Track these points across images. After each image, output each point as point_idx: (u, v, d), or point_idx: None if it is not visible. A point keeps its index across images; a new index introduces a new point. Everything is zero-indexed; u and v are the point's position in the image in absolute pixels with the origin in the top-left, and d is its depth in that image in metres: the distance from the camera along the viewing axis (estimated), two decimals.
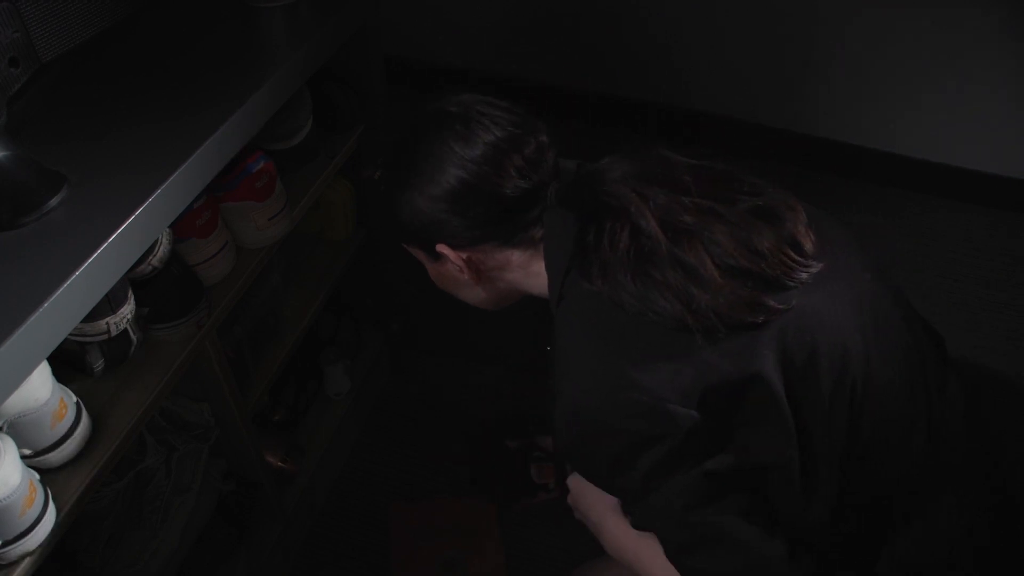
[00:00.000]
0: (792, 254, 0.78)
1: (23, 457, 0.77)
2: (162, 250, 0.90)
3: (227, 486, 1.23)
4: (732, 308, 0.75)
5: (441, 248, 0.88)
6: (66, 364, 0.89)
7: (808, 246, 0.79)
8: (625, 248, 0.78)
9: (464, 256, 0.88)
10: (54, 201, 0.75)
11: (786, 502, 0.80)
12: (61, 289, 0.68)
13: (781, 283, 0.77)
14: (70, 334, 0.72)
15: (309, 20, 1.07)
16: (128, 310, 0.89)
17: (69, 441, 0.83)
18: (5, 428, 0.78)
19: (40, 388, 0.78)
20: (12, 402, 0.76)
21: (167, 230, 0.90)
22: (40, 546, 0.78)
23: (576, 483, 1.03)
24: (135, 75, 0.95)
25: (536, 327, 1.16)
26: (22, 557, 0.77)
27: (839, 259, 0.83)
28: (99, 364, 0.91)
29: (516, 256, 0.89)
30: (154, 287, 0.92)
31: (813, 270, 0.79)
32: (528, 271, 0.90)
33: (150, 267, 0.89)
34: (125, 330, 0.90)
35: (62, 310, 0.69)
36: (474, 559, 1.46)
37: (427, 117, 0.87)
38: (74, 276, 0.69)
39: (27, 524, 0.76)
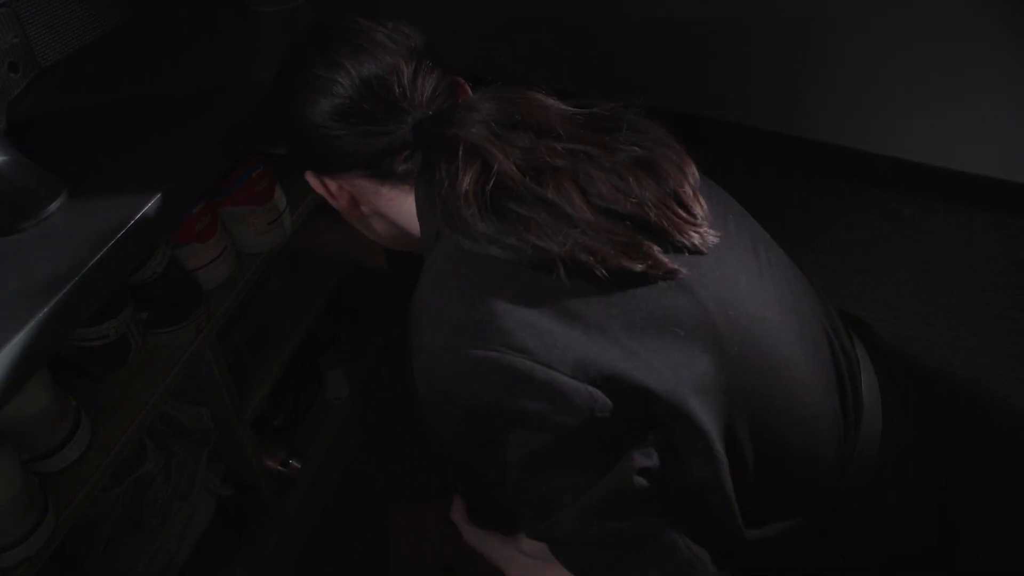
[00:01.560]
0: (679, 210, 0.70)
1: (23, 461, 0.77)
2: (161, 255, 0.90)
3: (226, 491, 1.23)
4: (612, 246, 0.66)
5: (308, 175, 0.83)
6: (66, 369, 0.89)
7: (697, 211, 0.71)
8: (471, 185, 0.69)
9: (334, 185, 0.81)
10: (53, 206, 0.75)
11: (706, 519, 0.73)
12: (61, 294, 0.68)
13: (668, 236, 0.69)
14: (70, 339, 0.72)
15: (309, 24, 1.07)
16: (127, 315, 0.89)
17: (69, 446, 0.83)
18: (5, 432, 0.78)
19: (40, 393, 0.79)
20: (12, 407, 0.76)
21: (166, 235, 0.90)
22: (39, 551, 0.78)
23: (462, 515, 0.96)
24: (135, 80, 0.96)
25: None
26: (21, 562, 0.77)
27: (739, 234, 0.77)
28: (98, 369, 0.91)
29: (386, 191, 0.80)
30: (153, 292, 0.92)
31: (708, 237, 0.70)
32: (402, 211, 0.81)
33: (149, 272, 0.90)
34: (124, 335, 0.90)
35: (62, 315, 0.69)
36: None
37: (297, 42, 0.82)
38: (73, 281, 0.69)
39: (26, 529, 0.76)
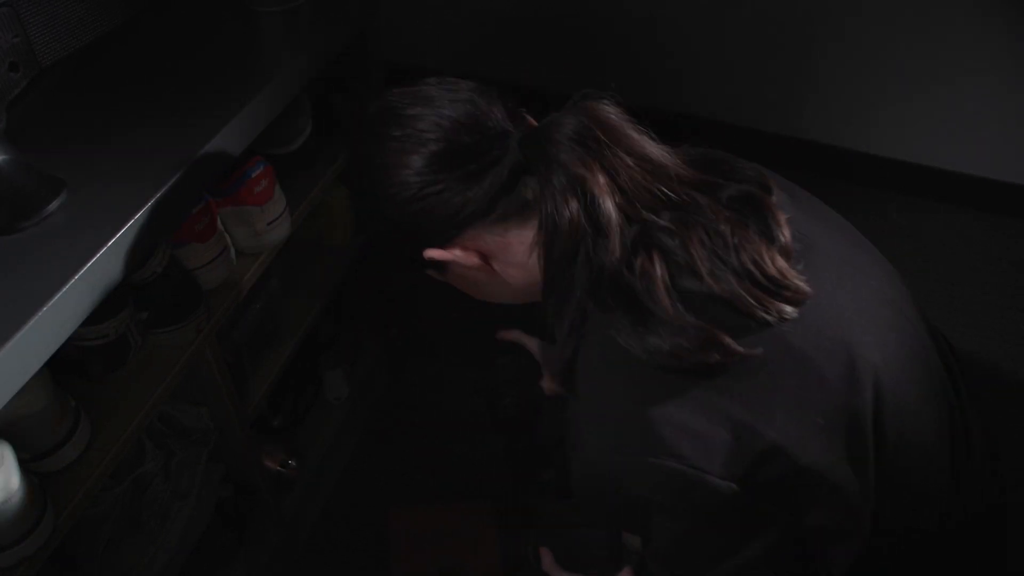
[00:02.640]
0: (767, 283, 0.68)
1: (22, 461, 0.77)
2: (161, 255, 0.90)
3: (225, 491, 1.23)
4: (687, 342, 0.66)
5: (429, 254, 0.78)
6: (65, 368, 0.89)
7: (789, 279, 0.68)
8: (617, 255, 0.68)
9: (459, 251, 0.78)
10: (53, 206, 0.75)
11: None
12: (60, 293, 0.68)
13: (755, 314, 0.68)
14: (69, 338, 0.72)
15: (309, 26, 1.07)
16: (127, 314, 0.89)
17: (68, 445, 0.83)
18: (4, 432, 0.78)
19: (39, 392, 0.79)
20: (11, 406, 0.76)
21: (166, 235, 0.90)
22: (38, 551, 0.78)
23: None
24: (135, 80, 0.96)
25: (534, 333, 1.16)
26: (21, 561, 0.77)
27: (841, 265, 0.74)
28: (98, 368, 0.91)
29: (512, 233, 0.77)
30: (153, 292, 0.92)
31: (800, 296, 0.68)
32: (532, 252, 0.77)
33: (149, 271, 0.90)
34: (124, 334, 0.90)
35: (61, 314, 0.69)
36: (472, 565, 1.46)
37: (356, 134, 0.80)
38: (73, 280, 0.69)
39: (25, 528, 0.76)
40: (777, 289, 0.68)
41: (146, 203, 0.77)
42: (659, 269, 0.68)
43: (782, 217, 0.70)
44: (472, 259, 0.78)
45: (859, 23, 1.96)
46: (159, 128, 0.87)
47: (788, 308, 0.68)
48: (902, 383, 0.72)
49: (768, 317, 0.67)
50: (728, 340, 0.66)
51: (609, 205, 0.69)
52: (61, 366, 0.88)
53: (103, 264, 0.73)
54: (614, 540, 1.02)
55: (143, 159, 0.83)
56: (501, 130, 0.75)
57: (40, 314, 0.66)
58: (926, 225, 2.10)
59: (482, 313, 1.00)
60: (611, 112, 0.73)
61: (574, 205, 0.69)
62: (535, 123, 0.78)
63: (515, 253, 0.78)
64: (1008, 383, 1.69)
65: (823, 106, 2.14)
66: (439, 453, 1.61)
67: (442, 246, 0.78)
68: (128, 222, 0.75)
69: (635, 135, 0.73)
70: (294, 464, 1.39)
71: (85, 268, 0.70)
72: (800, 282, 0.68)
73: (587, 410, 0.74)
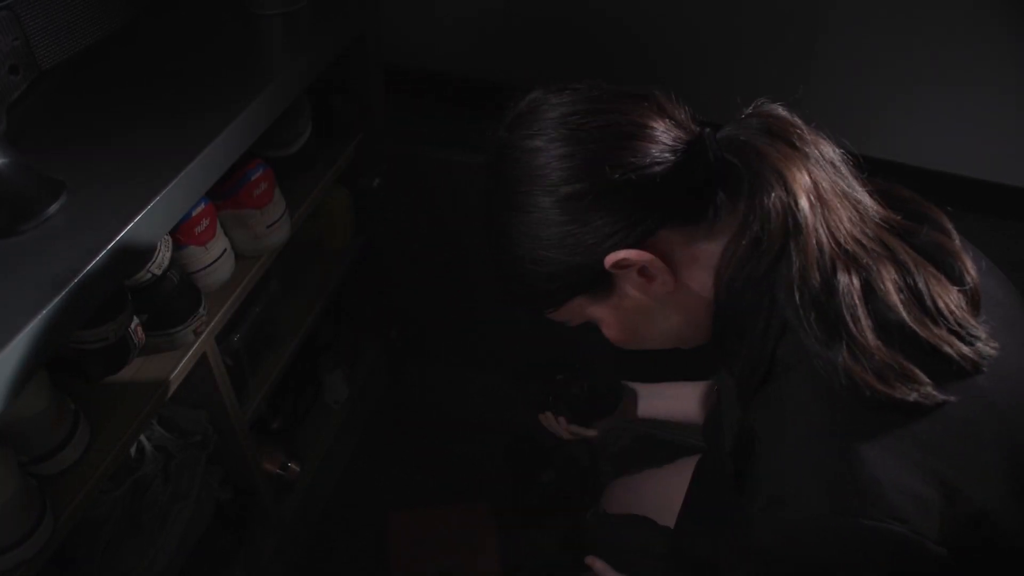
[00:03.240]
0: (959, 328, 0.61)
1: (21, 463, 0.77)
2: (161, 257, 0.90)
3: (225, 494, 1.23)
4: (879, 372, 0.59)
5: (616, 257, 0.67)
6: (64, 371, 0.89)
7: (978, 328, 0.62)
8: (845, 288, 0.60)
9: (647, 256, 0.67)
10: (53, 208, 0.75)
11: None
12: (59, 296, 0.68)
13: (946, 361, 0.61)
14: (69, 341, 0.72)
15: (309, 28, 1.07)
16: (127, 317, 0.89)
17: (67, 448, 0.83)
18: (3, 434, 0.78)
19: (38, 395, 0.78)
20: (10, 409, 0.76)
21: (166, 237, 0.90)
22: (37, 554, 0.78)
23: None
24: (135, 82, 0.96)
25: (534, 332, 1.15)
26: (19, 565, 0.77)
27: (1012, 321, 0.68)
28: (97, 371, 0.91)
29: (701, 242, 0.68)
30: (153, 294, 0.92)
31: (986, 350, 0.62)
32: (712, 259, 0.68)
33: (149, 274, 0.90)
34: (124, 337, 0.90)
35: (61, 317, 0.69)
36: (471, 566, 1.46)
37: (499, 140, 0.71)
38: (73, 283, 0.69)
39: (25, 531, 0.76)
40: (971, 339, 0.61)
41: (146, 206, 0.77)
42: (859, 289, 0.61)
43: (971, 265, 0.65)
44: (659, 264, 0.68)
45: (859, 25, 1.96)
46: (159, 131, 0.87)
47: (982, 358, 0.61)
48: None
49: (965, 366, 0.61)
50: (923, 377, 0.59)
51: (817, 207, 0.63)
52: (60, 368, 0.88)
53: (103, 266, 0.72)
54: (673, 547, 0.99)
55: (143, 162, 0.83)
56: (693, 128, 0.69)
57: (39, 316, 0.66)
58: None
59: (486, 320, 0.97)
60: (796, 119, 0.68)
61: (779, 202, 0.62)
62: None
63: (701, 265, 0.69)
64: None
65: (822, 110, 2.14)
66: (439, 454, 1.61)
67: (630, 245, 0.67)
68: (128, 225, 0.75)
69: (826, 143, 0.68)
70: (293, 466, 1.39)
71: (85, 271, 0.70)
72: (988, 334, 0.62)
73: (794, 459, 0.62)
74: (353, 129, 1.29)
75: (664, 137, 0.67)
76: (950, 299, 0.62)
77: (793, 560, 0.62)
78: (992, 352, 0.62)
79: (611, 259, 0.67)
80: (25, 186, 0.75)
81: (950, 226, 0.69)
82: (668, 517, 1.00)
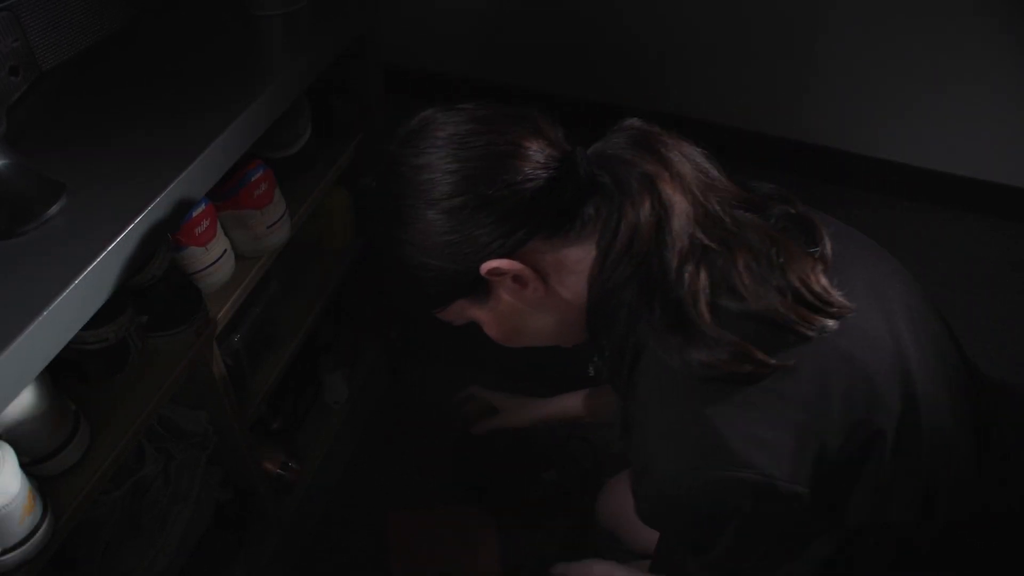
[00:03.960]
0: (810, 298, 0.69)
1: (22, 465, 0.77)
2: (161, 258, 0.90)
3: (225, 494, 1.23)
4: (720, 354, 0.67)
5: (490, 266, 0.74)
6: (65, 372, 0.89)
7: (831, 296, 0.70)
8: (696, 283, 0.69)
9: (518, 265, 0.75)
10: (53, 210, 0.75)
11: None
12: (60, 298, 0.68)
13: (796, 329, 0.69)
14: (69, 342, 0.72)
15: (309, 29, 1.07)
16: (127, 318, 0.89)
17: (68, 449, 0.83)
18: (4, 436, 0.78)
19: (39, 396, 0.78)
20: (11, 410, 0.76)
21: (166, 238, 0.90)
22: (38, 555, 0.78)
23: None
24: (135, 83, 0.96)
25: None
26: (20, 565, 0.77)
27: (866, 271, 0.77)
28: (98, 372, 0.91)
29: (572, 250, 0.76)
30: (153, 295, 0.92)
31: (842, 313, 0.70)
32: (582, 265, 0.76)
33: (149, 275, 0.90)
34: (124, 338, 0.90)
35: (61, 318, 0.69)
36: (471, 567, 1.46)
37: (390, 155, 0.78)
38: (73, 285, 0.69)
39: (25, 532, 0.76)
40: (823, 305, 0.69)
41: (146, 207, 0.77)
42: (703, 284, 0.69)
43: (824, 231, 0.73)
44: (528, 273, 0.75)
45: (862, 25, 1.96)
46: (159, 131, 0.87)
47: (830, 322, 0.69)
48: (934, 381, 0.74)
49: (809, 332, 0.68)
50: (760, 354, 0.67)
51: (682, 205, 0.70)
52: (61, 370, 0.88)
53: (103, 268, 0.73)
54: None
55: (143, 162, 0.83)
56: (565, 147, 0.76)
57: (40, 318, 0.66)
58: (926, 227, 2.10)
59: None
60: (658, 129, 0.75)
61: (647, 206, 0.70)
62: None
63: (569, 271, 0.76)
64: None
65: (824, 109, 2.14)
66: (439, 454, 1.61)
67: (501, 256, 0.74)
68: (128, 226, 0.75)
69: (688, 144, 0.75)
70: (294, 467, 1.39)
71: (85, 272, 0.70)
72: (842, 298, 0.70)
73: (654, 431, 0.72)
74: (353, 130, 1.29)
75: (538, 156, 0.74)
76: (805, 274, 0.69)
77: (672, 521, 0.74)
78: (847, 310, 0.69)
79: (485, 268, 0.74)
80: (25, 187, 0.75)
81: (804, 206, 0.77)
82: None
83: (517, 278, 0.76)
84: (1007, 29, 1.85)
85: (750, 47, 2.10)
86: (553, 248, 0.75)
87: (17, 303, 0.67)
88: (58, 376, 0.83)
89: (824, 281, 0.70)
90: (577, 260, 0.76)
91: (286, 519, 1.39)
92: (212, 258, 1.00)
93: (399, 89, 1.69)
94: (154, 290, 0.91)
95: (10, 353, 0.64)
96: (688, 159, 0.74)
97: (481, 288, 0.78)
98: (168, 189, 0.80)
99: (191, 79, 0.96)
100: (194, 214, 0.95)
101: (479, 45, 2.38)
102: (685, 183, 0.72)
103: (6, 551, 0.75)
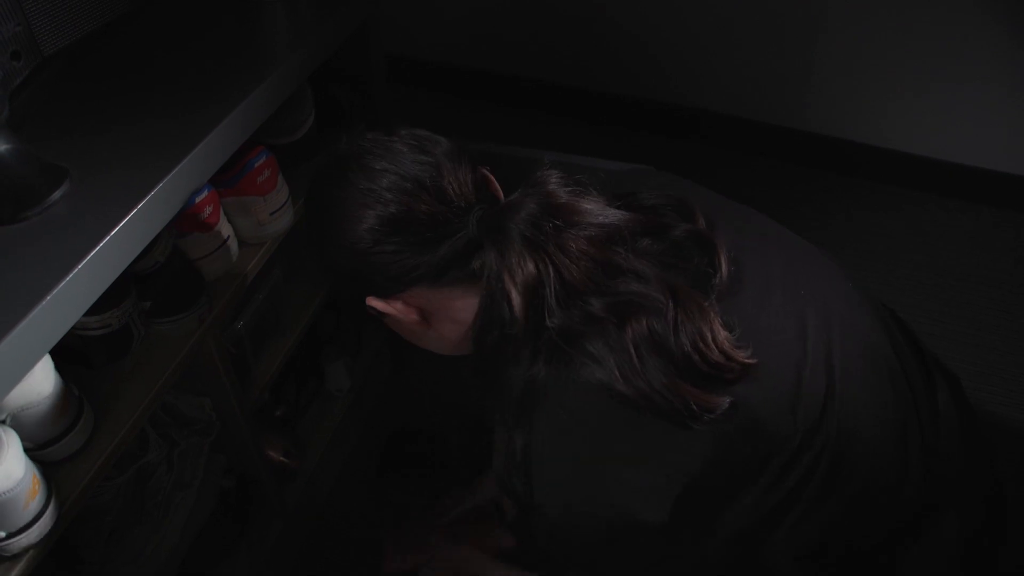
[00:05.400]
0: (708, 345, 0.71)
1: (26, 450, 0.78)
2: (164, 244, 0.90)
3: (228, 482, 1.23)
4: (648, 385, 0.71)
5: (371, 302, 0.82)
6: (68, 358, 0.89)
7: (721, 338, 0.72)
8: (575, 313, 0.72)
9: (399, 304, 0.81)
10: (56, 195, 0.75)
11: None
12: (63, 283, 0.68)
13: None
14: (73, 328, 0.72)
15: (311, 16, 1.07)
16: (130, 304, 0.89)
17: (72, 435, 0.83)
18: (8, 421, 0.78)
19: (43, 382, 0.79)
20: (15, 395, 0.76)
21: (169, 224, 0.90)
22: (42, 539, 0.78)
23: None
24: (137, 69, 0.95)
25: None
26: (25, 550, 0.78)
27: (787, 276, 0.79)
28: (101, 358, 0.91)
29: (458, 295, 0.81)
30: (156, 281, 0.92)
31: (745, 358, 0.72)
32: (467, 312, 0.82)
33: (152, 261, 0.90)
34: (127, 324, 0.90)
35: (65, 304, 0.69)
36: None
37: (324, 169, 0.82)
38: (76, 270, 0.69)
39: (30, 517, 0.76)
40: (719, 373, 0.71)
41: (149, 192, 0.77)
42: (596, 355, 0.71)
43: (724, 254, 0.75)
44: (411, 315, 0.82)
45: (867, 14, 1.95)
46: (161, 117, 0.87)
47: (723, 400, 0.70)
48: (861, 386, 0.77)
49: (693, 425, 0.70)
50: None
51: (549, 297, 0.72)
52: (64, 356, 0.88)
53: (106, 253, 0.72)
54: None
55: (146, 148, 0.83)
56: (463, 203, 0.77)
57: (43, 303, 0.66)
58: (928, 218, 2.09)
59: None
60: (564, 190, 0.76)
61: (520, 287, 0.73)
62: (499, 188, 0.81)
63: (456, 311, 0.82)
64: (1011, 378, 1.69)
65: (829, 99, 2.13)
66: (439, 446, 1.61)
67: (384, 298, 0.81)
68: (131, 212, 0.75)
69: (588, 206, 0.76)
70: (296, 454, 1.39)
71: (88, 257, 0.70)
72: (744, 357, 0.71)
73: (549, 476, 0.78)
74: (356, 118, 1.29)
75: (430, 219, 0.76)
76: (702, 336, 0.70)
77: (565, 549, 0.83)
78: (747, 368, 0.71)
79: (368, 302, 0.82)
80: (28, 173, 0.75)
81: (694, 207, 0.79)
82: None
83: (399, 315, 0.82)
84: (1015, 19, 1.84)
85: (757, 36, 2.09)
86: (439, 293, 0.80)
87: (20, 289, 0.67)
88: (61, 362, 0.83)
89: (723, 340, 0.71)
90: (462, 307, 0.81)
91: (289, 506, 1.39)
92: (215, 245, 1.00)
93: (402, 78, 1.69)
94: (157, 276, 0.91)
95: (13, 338, 0.64)
96: (586, 217, 0.75)
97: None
98: (171, 175, 0.79)
99: (194, 65, 0.96)
100: (197, 200, 0.94)
101: (482, 34, 2.37)
102: (571, 257, 0.73)
103: (11, 535, 0.76)
